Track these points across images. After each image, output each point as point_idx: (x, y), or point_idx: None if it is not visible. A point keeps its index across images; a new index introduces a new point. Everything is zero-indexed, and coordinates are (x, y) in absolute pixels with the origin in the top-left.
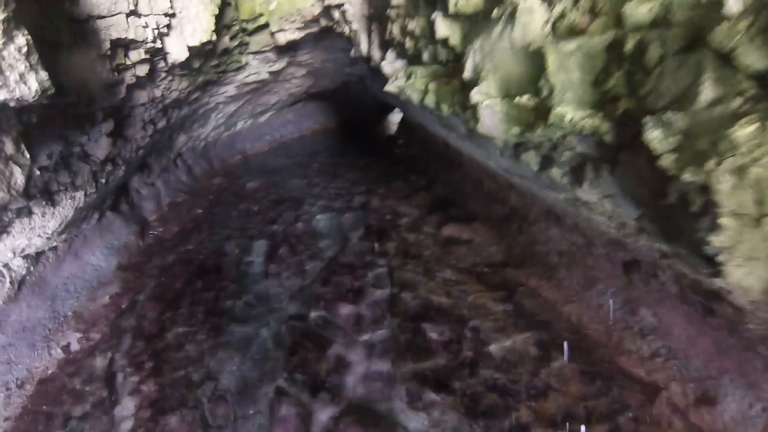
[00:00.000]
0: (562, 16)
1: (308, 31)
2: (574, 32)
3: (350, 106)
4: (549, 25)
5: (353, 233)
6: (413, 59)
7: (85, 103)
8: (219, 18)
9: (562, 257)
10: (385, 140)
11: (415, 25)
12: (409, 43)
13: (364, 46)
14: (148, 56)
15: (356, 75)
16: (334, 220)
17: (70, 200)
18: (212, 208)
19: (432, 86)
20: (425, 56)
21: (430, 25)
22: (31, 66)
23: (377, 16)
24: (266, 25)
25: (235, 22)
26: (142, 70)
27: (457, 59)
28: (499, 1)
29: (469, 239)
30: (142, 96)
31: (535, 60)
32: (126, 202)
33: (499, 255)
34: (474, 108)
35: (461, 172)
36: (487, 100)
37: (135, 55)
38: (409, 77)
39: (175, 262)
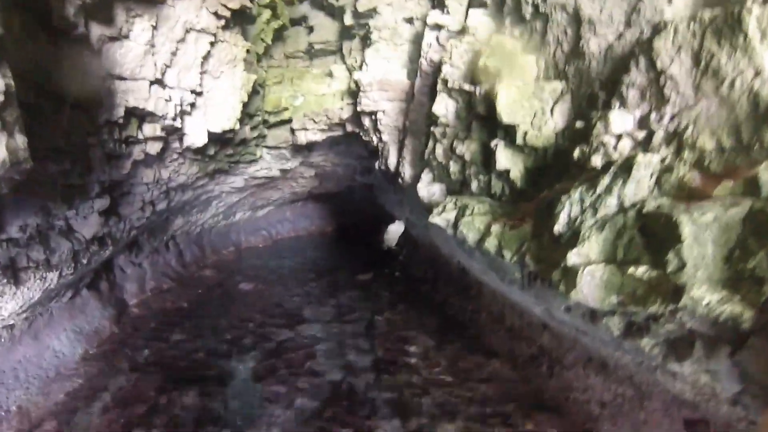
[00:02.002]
0: (667, 169)
1: (330, 134)
2: (690, 193)
3: (351, 211)
4: (652, 179)
5: (358, 360)
6: (456, 186)
7: (80, 173)
8: (244, 106)
9: (605, 408)
10: (384, 253)
11: (465, 148)
12: (454, 167)
13: (392, 160)
14: (163, 134)
15: (367, 183)
16: (335, 344)
17: (39, 281)
18: (200, 304)
19: (495, 229)
20: (474, 186)
21: (485, 152)
22: (3, 125)
23: (413, 131)
24: (288, 121)
25: (258, 113)
26: (154, 148)
27: (519, 195)
28: (581, 138)
29: (490, 377)
30: (148, 175)
31: (656, 224)
32: (107, 279)
33: (528, 398)
34: (568, 271)
35: (478, 302)
36: (588, 265)
37: (150, 129)
38: (462, 212)
39: (150, 362)
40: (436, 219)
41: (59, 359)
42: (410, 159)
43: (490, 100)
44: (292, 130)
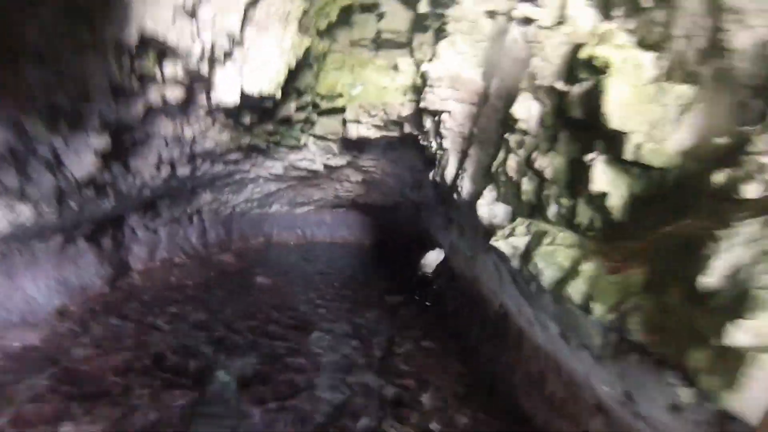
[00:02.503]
0: None
1: (385, 133)
2: None
3: (393, 228)
4: None
5: (363, 395)
6: (525, 209)
7: (71, 95)
8: (292, 77)
9: None
10: (419, 279)
11: (546, 163)
12: (527, 185)
13: (451, 171)
14: (187, 80)
15: (414, 201)
16: (339, 369)
17: (6, 210)
18: (208, 288)
19: (586, 269)
20: (552, 211)
21: (574, 170)
22: None
23: (481, 140)
24: (341, 111)
25: (308, 92)
26: (174, 95)
27: (614, 232)
28: (724, 159)
29: None
30: (167, 128)
31: None
32: (112, 236)
33: None
34: (725, 354)
35: (516, 355)
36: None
37: (171, 69)
38: (539, 240)
39: (131, 336)
40: (500, 244)
41: (30, 306)
42: (472, 172)
43: (591, 100)
44: (344, 122)
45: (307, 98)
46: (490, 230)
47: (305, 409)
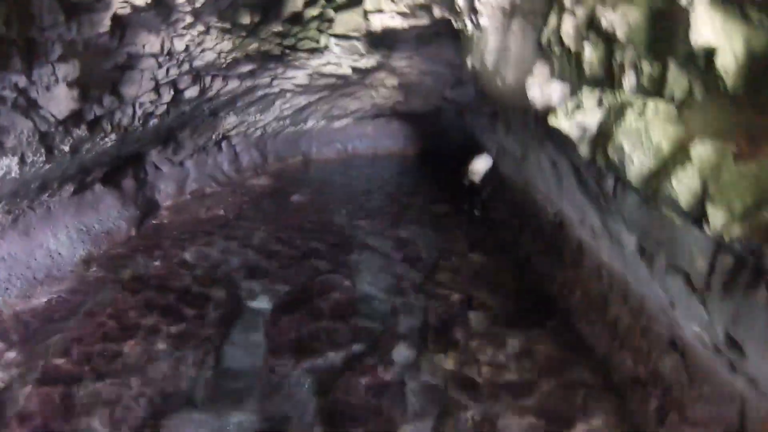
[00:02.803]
0: None
1: (414, 21)
2: None
3: (437, 135)
4: None
5: (406, 316)
6: (590, 84)
7: (7, 19)
8: None
9: None
10: (467, 189)
11: (617, 18)
12: (592, 53)
13: (491, 54)
14: None
15: (455, 103)
16: (384, 288)
17: None
18: (241, 214)
19: (701, 153)
20: (629, 83)
21: (658, 24)
22: None
23: (525, 10)
24: (359, 1)
25: None
26: None
27: (724, 102)
28: None
29: (572, 384)
30: (152, 43)
31: None
32: (133, 176)
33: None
34: None
35: (573, 272)
36: None
37: None
38: (621, 114)
39: (157, 275)
40: (563, 124)
41: (53, 260)
42: (517, 51)
43: None
44: (365, 13)
45: None
46: (544, 115)
47: (343, 333)
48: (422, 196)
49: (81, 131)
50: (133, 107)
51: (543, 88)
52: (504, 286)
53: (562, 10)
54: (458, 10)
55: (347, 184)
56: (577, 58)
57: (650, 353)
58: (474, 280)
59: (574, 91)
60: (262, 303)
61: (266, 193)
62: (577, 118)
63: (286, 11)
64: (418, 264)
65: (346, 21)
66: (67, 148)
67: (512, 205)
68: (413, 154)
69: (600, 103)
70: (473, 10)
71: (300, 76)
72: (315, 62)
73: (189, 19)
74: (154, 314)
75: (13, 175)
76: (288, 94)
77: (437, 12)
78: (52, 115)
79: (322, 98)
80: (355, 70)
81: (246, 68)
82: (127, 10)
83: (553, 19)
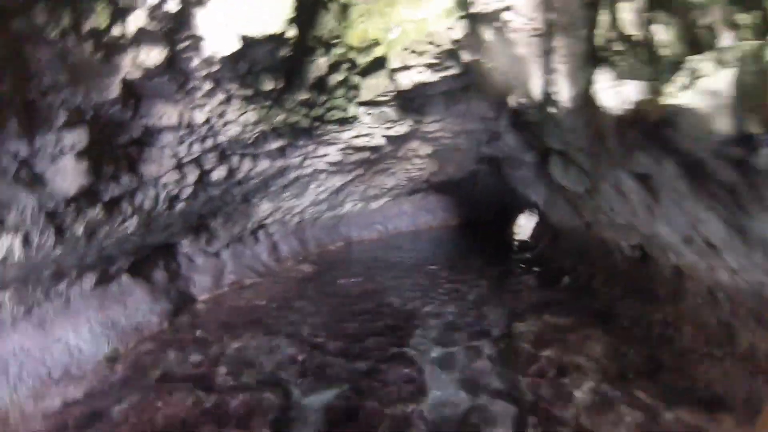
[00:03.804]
0: None
1: (443, 73)
2: None
3: (475, 202)
4: None
5: (493, 403)
6: (666, 70)
7: (12, 83)
8: (307, 20)
9: None
10: (520, 246)
11: None
12: (664, 34)
13: (536, 82)
14: (157, 28)
15: (492, 160)
16: (458, 368)
17: None
18: (285, 303)
19: None
20: (723, 41)
21: None
22: None
23: (564, 22)
24: (383, 61)
25: (336, 43)
26: (151, 57)
27: None
28: None
29: None
30: (169, 114)
31: None
32: (165, 268)
33: None
34: None
35: (676, 308)
36: None
37: (133, 19)
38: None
39: (189, 376)
40: (687, 97)
41: (72, 357)
42: (567, 68)
43: None
44: (391, 73)
45: (338, 51)
46: (625, 118)
47: None
48: (473, 265)
49: (96, 212)
50: (156, 188)
51: (616, 91)
52: (601, 347)
53: (613, 6)
54: (486, 45)
55: (393, 263)
56: (646, 47)
57: None
58: (559, 343)
59: (651, 84)
60: (315, 405)
61: (310, 279)
62: (702, 86)
63: (310, 77)
64: (491, 335)
65: (373, 85)
66: (80, 231)
67: (573, 251)
68: (454, 225)
69: (723, 58)
70: (505, 42)
71: (332, 153)
72: (346, 135)
73: (207, 86)
74: (186, 422)
75: (17, 257)
76: (322, 175)
77: (466, 56)
78: (60, 191)
79: (357, 177)
80: (388, 139)
81: (275, 145)
82: (138, 74)
83: (604, 17)
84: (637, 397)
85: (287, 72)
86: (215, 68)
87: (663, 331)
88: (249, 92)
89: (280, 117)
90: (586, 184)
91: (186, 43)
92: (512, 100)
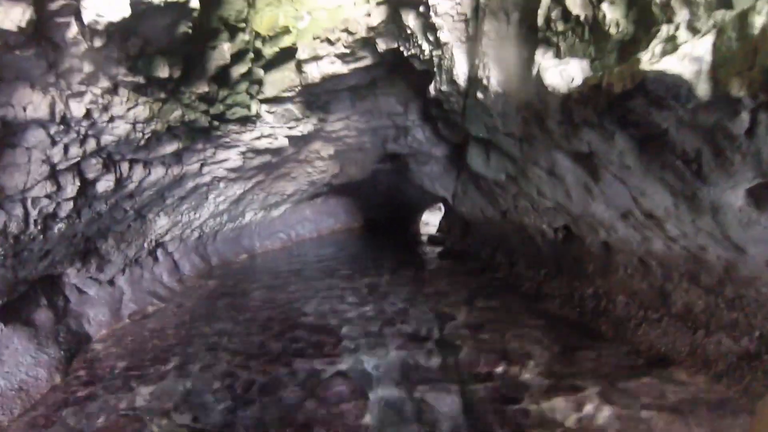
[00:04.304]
0: None
1: (356, 64)
2: None
3: (378, 203)
4: None
5: (441, 408)
6: (614, 50)
7: None
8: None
9: None
10: (427, 243)
11: None
12: (613, 12)
13: (461, 68)
14: None
15: (396, 157)
16: (401, 389)
17: None
18: (194, 329)
19: None
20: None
21: None
22: None
23: (495, 7)
24: (291, 52)
25: (242, 28)
26: (12, 20)
27: None
28: None
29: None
30: (34, 102)
31: None
32: (49, 306)
33: None
34: None
35: (609, 284)
36: None
37: None
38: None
39: None
40: (668, 63)
41: None
42: (497, 53)
43: None
44: (299, 65)
45: (244, 38)
46: (572, 96)
47: None
48: (383, 266)
49: None
50: (23, 205)
51: (561, 70)
52: (530, 325)
53: None
54: (409, 33)
55: (302, 271)
56: (591, 25)
57: None
58: (496, 332)
59: (595, 65)
60: None
61: (218, 298)
62: (684, 52)
63: (211, 65)
64: (422, 342)
65: (279, 80)
66: None
67: (488, 242)
68: (357, 227)
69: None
70: (429, 28)
71: (232, 157)
72: (247, 136)
73: (88, 67)
74: None
75: None
76: (221, 184)
77: (382, 45)
78: None
79: (258, 184)
80: (291, 139)
81: (170, 148)
82: None
83: None
84: (589, 371)
85: (186, 58)
86: (99, 43)
87: (596, 304)
88: (140, 80)
89: (177, 113)
90: (509, 170)
91: (61, 2)
92: (432, 89)
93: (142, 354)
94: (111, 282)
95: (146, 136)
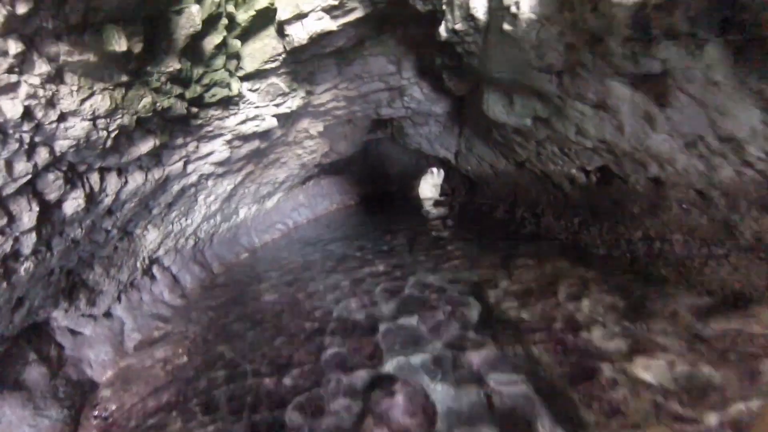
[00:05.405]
0: None
1: (343, 18)
2: None
3: (371, 177)
4: None
5: (515, 401)
6: None
7: None
8: None
9: None
10: (433, 205)
11: None
12: None
13: (480, 0)
14: None
15: (388, 123)
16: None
17: None
18: (209, 349)
19: None
20: None
21: None
22: None
23: None
24: (270, 15)
25: None
26: None
27: None
28: None
29: None
30: None
31: None
32: (41, 358)
33: None
34: None
35: (662, 223)
36: None
37: None
38: None
39: None
40: None
41: None
42: None
43: None
44: (281, 27)
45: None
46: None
47: None
48: (396, 238)
49: None
50: None
51: None
52: (578, 283)
53: None
54: None
55: (309, 260)
56: None
57: None
58: (544, 297)
59: None
60: None
61: (227, 306)
62: None
63: (180, 35)
64: (469, 326)
65: (259, 50)
66: None
67: (501, 197)
68: (354, 204)
69: None
70: None
71: (218, 149)
72: (232, 121)
73: (14, 45)
74: None
75: None
76: (209, 182)
77: None
78: None
79: (248, 176)
80: (280, 118)
81: (145, 147)
82: None
83: None
84: (665, 323)
85: (148, 27)
86: (23, 8)
87: (649, 246)
88: (90, 58)
89: (146, 101)
90: (539, 112)
91: None
92: (443, 30)
93: (156, 395)
94: (108, 314)
95: (113, 135)
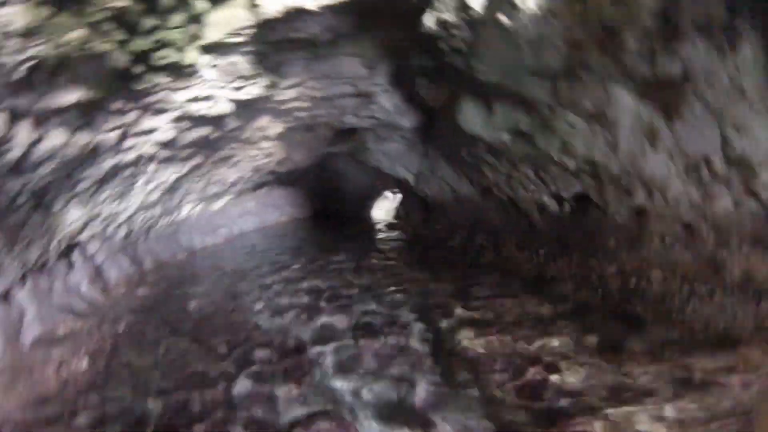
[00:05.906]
0: None
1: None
2: None
3: (325, 193)
4: None
5: None
6: None
7: None
8: None
9: None
10: (386, 228)
11: None
12: None
13: None
14: None
15: (350, 135)
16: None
17: None
18: (117, 355)
19: None
20: None
21: None
22: None
23: None
24: None
25: None
26: None
27: None
28: None
29: None
30: None
31: None
32: None
33: None
34: None
35: (640, 258)
36: None
37: None
38: None
39: None
40: None
41: None
42: None
43: None
44: None
45: None
46: None
47: None
48: (344, 258)
49: None
50: None
51: None
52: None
53: None
54: None
55: (249, 271)
56: None
57: None
58: (504, 331)
59: None
60: None
61: (150, 309)
62: None
63: None
64: (418, 357)
65: (226, 20)
66: None
67: (461, 224)
68: (304, 218)
69: None
70: None
71: (163, 126)
72: (181, 96)
73: None
74: None
75: None
76: (150, 166)
77: None
78: None
79: (196, 169)
80: (237, 104)
81: (70, 96)
82: None
83: None
84: (647, 365)
85: None
86: None
87: (623, 283)
88: None
89: (77, 35)
90: (521, 125)
91: None
92: (430, 21)
93: (41, 405)
94: (5, 296)
95: (27, 65)
